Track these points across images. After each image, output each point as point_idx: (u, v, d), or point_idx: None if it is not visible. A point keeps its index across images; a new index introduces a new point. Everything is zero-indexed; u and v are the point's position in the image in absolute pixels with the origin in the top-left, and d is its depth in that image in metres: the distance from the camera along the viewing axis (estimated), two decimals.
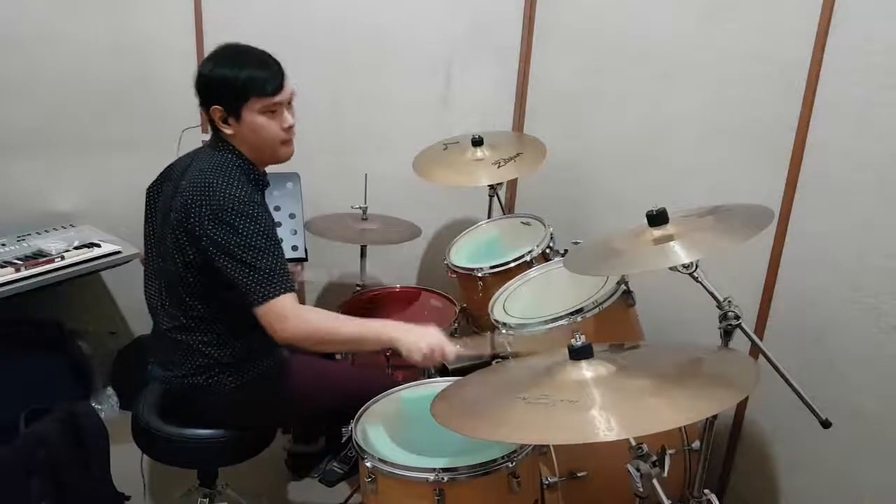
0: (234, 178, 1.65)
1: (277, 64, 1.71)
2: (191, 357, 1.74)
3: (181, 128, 1.78)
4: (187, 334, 1.73)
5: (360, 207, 2.63)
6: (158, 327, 1.81)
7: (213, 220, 1.60)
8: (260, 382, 1.79)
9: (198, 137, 1.88)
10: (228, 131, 1.70)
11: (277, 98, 1.68)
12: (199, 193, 1.63)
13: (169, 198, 1.74)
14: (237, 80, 1.65)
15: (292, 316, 1.59)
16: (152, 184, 1.87)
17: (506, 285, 2.13)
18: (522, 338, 1.86)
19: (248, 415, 1.82)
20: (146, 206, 1.86)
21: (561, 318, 1.83)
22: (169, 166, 1.85)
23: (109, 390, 2.76)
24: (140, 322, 2.73)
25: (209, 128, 1.76)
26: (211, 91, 1.67)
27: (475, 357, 1.79)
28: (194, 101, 1.72)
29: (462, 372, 1.67)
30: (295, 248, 2.66)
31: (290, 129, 1.73)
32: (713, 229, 1.46)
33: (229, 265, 1.59)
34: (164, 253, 1.73)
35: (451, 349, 1.63)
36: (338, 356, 2.29)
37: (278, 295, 1.58)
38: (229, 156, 1.71)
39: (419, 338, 1.61)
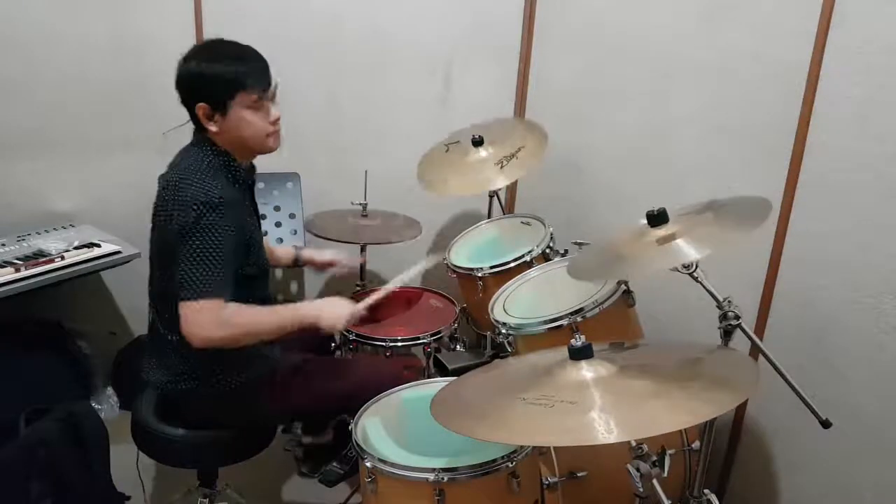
0: (208, 174, 1.66)
1: (261, 57, 1.71)
2: (184, 361, 1.75)
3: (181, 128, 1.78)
4: (181, 337, 1.73)
5: (361, 204, 2.63)
6: (153, 332, 1.82)
7: (177, 207, 1.62)
8: (254, 384, 1.80)
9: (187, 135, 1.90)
10: (213, 128, 1.69)
11: (263, 93, 1.69)
12: (174, 184, 1.65)
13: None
14: (223, 76, 1.65)
15: (207, 322, 1.60)
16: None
17: (506, 285, 2.12)
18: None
19: (246, 416, 1.82)
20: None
21: (561, 318, 1.83)
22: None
23: (109, 390, 2.76)
24: (140, 322, 2.72)
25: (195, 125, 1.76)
26: (196, 88, 1.67)
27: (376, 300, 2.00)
28: None
29: (462, 372, 1.67)
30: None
31: (276, 121, 1.74)
32: (713, 225, 1.46)
33: (179, 255, 1.60)
34: (154, 255, 1.75)
35: (356, 308, 1.87)
36: (338, 353, 2.29)
37: (201, 298, 1.59)
38: (209, 153, 1.71)
39: (332, 310, 1.81)
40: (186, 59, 1.69)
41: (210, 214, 1.60)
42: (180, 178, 1.65)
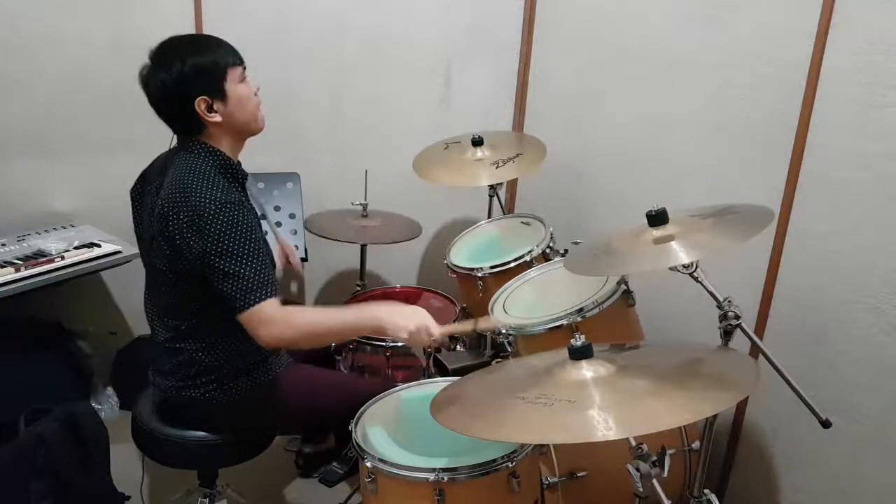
0: (210, 179, 1.62)
1: (220, 39, 1.73)
2: (187, 367, 1.73)
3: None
4: (182, 343, 1.72)
5: (361, 204, 2.63)
6: (155, 338, 1.80)
7: (191, 228, 1.57)
8: (257, 393, 1.78)
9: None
10: (217, 119, 1.66)
11: (244, 65, 1.71)
12: (176, 199, 1.59)
13: (150, 203, 1.70)
14: (210, 62, 1.65)
15: (274, 320, 1.57)
16: (133, 187, 1.82)
17: (506, 285, 2.12)
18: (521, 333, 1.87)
19: (247, 423, 1.82)
20: (132, 209, 1.83)
21: (561, 317, 1.83)
22: (146, 168, 1.81)
23: (109, 390, 2.76)
24: (140, 322, 2.72)
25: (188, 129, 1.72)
26: (189, 85, 1.63)
27: (460, 333, 1.81)
28: None
29: (462, 372, 1.67)
30: (295, 247, 2.66)
31: (258, 91, 1.75)
32: (713, 229, 1.46)
33: (210, 274, 1.57)
34: (153, 261, 1.70)
35: (437, 328, 1.68)
36: (338, 358, 2.29)
37: (259, 301, 1.55)
38: (204, 156, 1.67)
39: (405, 318, 1.66)
40: (165, 66, 1.63)
41: (227, 220, 1.56)
42: (184, 188, 1.60)
